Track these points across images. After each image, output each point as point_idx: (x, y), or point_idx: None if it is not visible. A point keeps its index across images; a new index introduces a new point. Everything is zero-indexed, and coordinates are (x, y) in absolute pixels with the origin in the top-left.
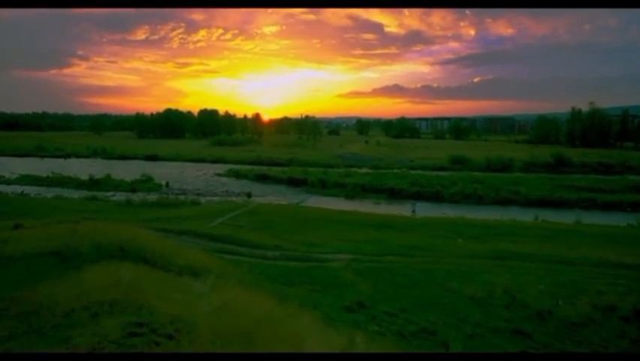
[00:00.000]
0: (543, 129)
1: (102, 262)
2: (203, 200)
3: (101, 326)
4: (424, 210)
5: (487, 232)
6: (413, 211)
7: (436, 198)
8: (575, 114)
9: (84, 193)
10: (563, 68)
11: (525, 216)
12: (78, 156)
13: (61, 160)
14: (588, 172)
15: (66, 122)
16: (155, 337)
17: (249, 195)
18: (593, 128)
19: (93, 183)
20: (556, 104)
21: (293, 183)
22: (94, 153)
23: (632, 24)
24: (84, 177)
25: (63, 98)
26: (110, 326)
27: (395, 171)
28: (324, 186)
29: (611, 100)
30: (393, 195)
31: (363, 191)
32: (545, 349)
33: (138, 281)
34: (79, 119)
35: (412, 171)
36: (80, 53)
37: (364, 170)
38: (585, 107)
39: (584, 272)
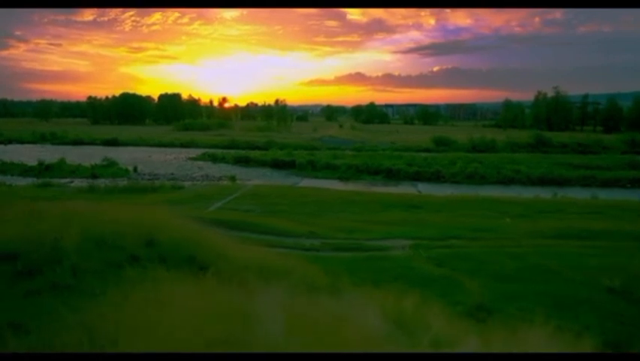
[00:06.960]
0: (511, 114)
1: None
2: (185, 185)
3: None
4: (428, 191)
5: (528, 209)
6: (419, 192)
7: (436, 178)
8: (540, 99)
9: (33, 181)
10: (515, 58)
11: (531, 193)
12: (21, 142)
13: (1, 146)
14: (567, 152)
15: (4, 109)
16: None
17: (233, 179)
18: (557, 113)
19: (44, 169)
20: (512, 93)
21: (277, 165)
22: (41, 139)
23: (574, 18)
24: (32, 162)
25: None
26: None
27: (387, 151)
28: (314, 168)
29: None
30: (391, 175)
31: (357, 172)
32: None
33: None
34: (20, 105)
35: (405, 153)
36: (17, 33)
37: (347, 152)
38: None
39: None
